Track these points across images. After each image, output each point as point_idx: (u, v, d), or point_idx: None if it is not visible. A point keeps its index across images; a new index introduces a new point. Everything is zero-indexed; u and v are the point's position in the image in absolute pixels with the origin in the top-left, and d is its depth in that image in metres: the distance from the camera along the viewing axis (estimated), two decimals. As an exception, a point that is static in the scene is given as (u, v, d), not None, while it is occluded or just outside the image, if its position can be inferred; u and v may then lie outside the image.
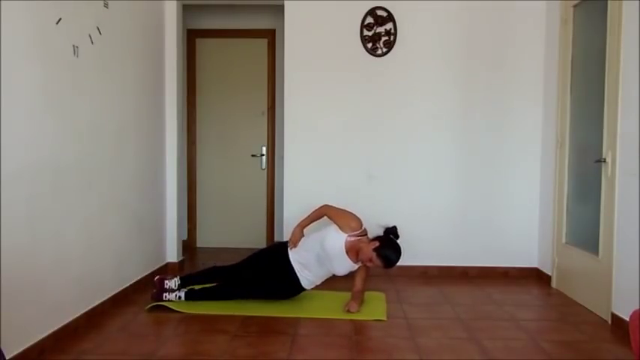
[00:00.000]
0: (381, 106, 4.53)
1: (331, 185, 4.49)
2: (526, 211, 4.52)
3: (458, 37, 4.48)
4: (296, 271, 3.53)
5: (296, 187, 4.56)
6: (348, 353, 2.81)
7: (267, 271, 3.59)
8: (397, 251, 3.41)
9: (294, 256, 3.55)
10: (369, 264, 3.41)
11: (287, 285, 3.58)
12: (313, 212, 3.62)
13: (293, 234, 3.60)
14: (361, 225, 3.50)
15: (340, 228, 3.46)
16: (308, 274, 3.55)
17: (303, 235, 3.59)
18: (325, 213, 3.57)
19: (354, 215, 3.53)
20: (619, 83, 3.24)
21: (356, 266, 3.53)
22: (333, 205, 3.60)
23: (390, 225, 3.53)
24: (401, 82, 4.51)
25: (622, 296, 3.19)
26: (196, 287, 3.64)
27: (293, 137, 4.58)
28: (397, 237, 3.49)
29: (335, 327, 3.21)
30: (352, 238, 3.45)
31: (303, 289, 3.62)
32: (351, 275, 3.61)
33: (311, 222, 3.61)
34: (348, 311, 3.42)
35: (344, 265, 3.49)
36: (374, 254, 3.36)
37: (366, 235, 3.51)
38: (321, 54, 4.52)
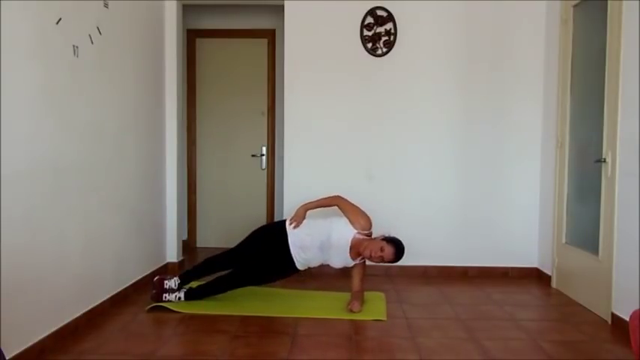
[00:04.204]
0: (380, 106, 4.52)
1: (331, 185, 4.46)
2: (526, 210, 4.52)
3: (458, 36, 4.48)
4: (292, 252, 3.51)
5: (296, 188, 4.56)
6: (347, 353, 2.81)
7: (263, 251, 3.56)
8: (402, 244, 3.46)
9: (293, 238, 3.52)
10: (378, 254, 3.38)
11: (281, 264, 3.55)
12: (324, 199, 3.61)
13: (297, 214, 3.57)
14: (371, 226, 3.52)
15: (351, 223, 3.48)
16: (304, 257, 3.53)
17: (304, 218, 3.57)
18: (338, 204, 3.57)
19: (367, 215, 3.54)
20: (619, 83, 3.24)
21: (351, 263, 3.53)
22: (347, 199, 3.60)
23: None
24: (401, 82, 4.51)
25: (622, 296, 3.19)
26: (194, 285, 3.64)
27: (293, 137, 4.58)
28: None
29: (335, 327, 3.21)
30: (360, 236, 3.46)
31: (297, 270, 3.60)
32: (345, 273, 3.61)
33: (318, 207, 3.59)
34: (351, 311, 3.42)
35: (342, 259, 3.50)
36: (384, 243, 3.38)
37: (371, 236, 3.53)
38: (321, 54, 4.52)
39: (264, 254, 3.56)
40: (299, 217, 3.55)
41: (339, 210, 3.56)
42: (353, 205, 3.57)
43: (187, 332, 3.11)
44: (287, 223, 3.59)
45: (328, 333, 3.12)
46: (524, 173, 4.51)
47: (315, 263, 3.61)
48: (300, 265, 3.57)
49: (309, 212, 3.58)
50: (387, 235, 3.50)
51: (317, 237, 3.48)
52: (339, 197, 3.60)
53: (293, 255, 3.52)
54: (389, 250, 3.38)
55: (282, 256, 3.53)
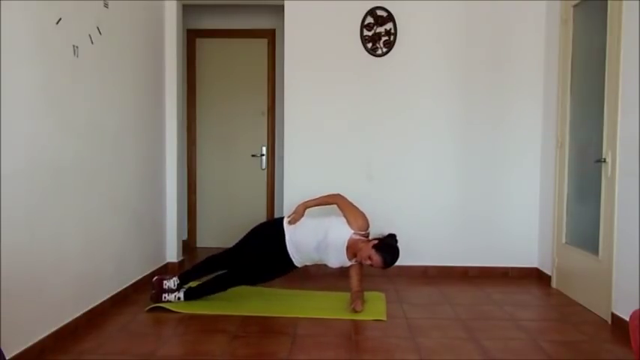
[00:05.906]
0: (380, 106, 4.52)
1: (331, 185, 4.43)
2: (526, 211, 4.52)
3: (458, 36, 4.48)
4: (289, 250, 3.50)
5: (296, 187, 4.55)
6: (347, 353, 2.81)
7: (261, 248, 3.56)
8: (395, 251, 3.44)
9: (291, 236, 3.51)
10: (367, 261, 3.40)
11: (279, 261, 3.55)
12: (324, 197, 3.60)
13: (296, 211, 3.57)
14: (368, 226, 3.52)
15: (348, 222, 3.47)
16: (300, 255, 3.53)
17: (303, 215, 3.57)
18: (337, 202, 3.56)
19: (365, 216, 3.53)
20: (619, 83, 3.24)
21: (348, 263, 3.53)
22: (347, 198, 3.59)
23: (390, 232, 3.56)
24: (401, 82, 4.51)
25: (622, 296, 3.19)
26: (194, 284, 3.63)
27: (293, 137, 4.58)
28: (396, 242, 3.50)
29: (335, 327, 3.21)
30: (356, 237, 3.45)
31: (295, 267, 3.60)
32: (344, 273, 3.61)
33: (318, 205, 3.58)
34: (354, 310, 3.42)
35: (338, 259, 3.50)
36: (373, 251, 3.37)
37: (368, 237, 3.52)
38: (321, 54, 4.52)
39: (262, 251, 3.56)
40: (298, 214, 3.55)
41: (338, 209, 3.56)
42: (352, 204, 3.57)
43: (187, 332, 3.11)
44: (285, 220, 3.59)
45: (328, 333, 3.12)
46: (524, 173, 4.51)
47: (311, 262, 3.62)
48: (297, 261, 3.57)
49: (308, 210, 3.58)
50: (383, 236, 3.49)
51: (313, 237, 3.47)
52: (339, 195, 3.60)
53: (290, 253, 3.52)
54: (377, 259, 3.37)
55: (279, 253, 3.53)
